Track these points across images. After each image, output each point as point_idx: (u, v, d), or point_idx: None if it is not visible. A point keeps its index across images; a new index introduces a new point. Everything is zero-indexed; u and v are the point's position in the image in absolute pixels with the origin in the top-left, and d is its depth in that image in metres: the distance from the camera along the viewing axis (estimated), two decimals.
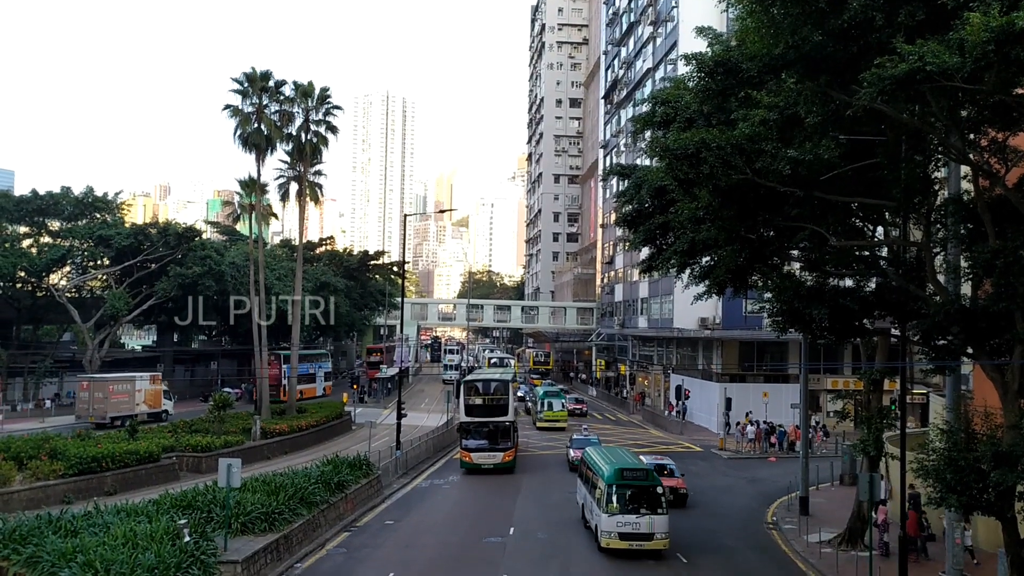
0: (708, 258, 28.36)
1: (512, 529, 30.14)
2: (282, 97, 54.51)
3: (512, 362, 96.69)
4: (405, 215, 72.49)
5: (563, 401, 64.38)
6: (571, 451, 42.42)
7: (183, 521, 22.03)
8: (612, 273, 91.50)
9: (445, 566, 25.63)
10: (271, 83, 53.94)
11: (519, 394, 77.66)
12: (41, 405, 65.21)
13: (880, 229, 27.50)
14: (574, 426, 58.66)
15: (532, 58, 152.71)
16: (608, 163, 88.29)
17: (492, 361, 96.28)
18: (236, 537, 23.99)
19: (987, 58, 13.92)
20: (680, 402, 65.14)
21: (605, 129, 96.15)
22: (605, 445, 38.68)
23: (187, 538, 20.81)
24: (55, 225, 71.01)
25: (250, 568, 22.70)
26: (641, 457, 33.42)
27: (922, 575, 24.00)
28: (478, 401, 42.92)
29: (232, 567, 21.95)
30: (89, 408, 55.10)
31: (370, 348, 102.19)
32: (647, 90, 68.70)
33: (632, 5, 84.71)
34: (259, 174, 55.94)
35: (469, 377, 48.32)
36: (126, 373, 61.89)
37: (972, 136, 19.18)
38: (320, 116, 55.50)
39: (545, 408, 62.21)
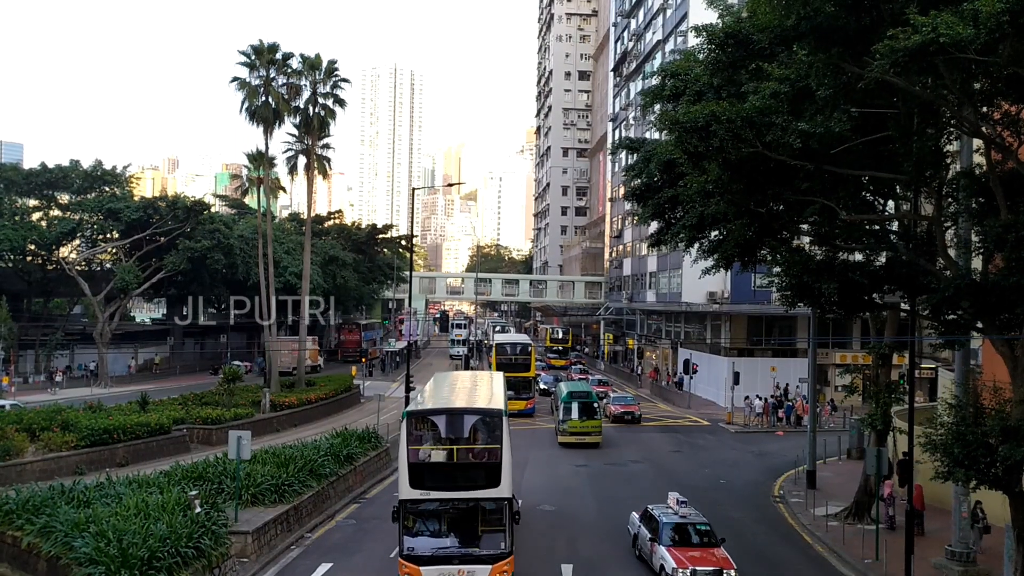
0: (717, 232, 28.29)
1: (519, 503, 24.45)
2: (289, 70, 54.24)
3: (531, 349, 58.43)
4: (413, 188, 72.28)
5: (596, 403, 44.73)
6: (665, 566, 21.38)
7: (194, 492, 22.25)
8: (620, 247, 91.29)
9: None
10: (278, 56, 53.68)
11: (541, 385, 63.69)
12: (52, 377, 65.74)
13: (891, 203, 27.35)
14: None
15: (541, 30, 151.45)
16: (617, 136, 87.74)
17: (503, 351, 57.68)
18: (246, 508, 24.23)
19: (1001, 29, 13.75)
20: (679, 374, 65.37)
21: (614, 102, 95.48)
22: None
23: (198, 509, 21.02)
24: (64, 198, 71.16)
25: (260, 539, 22.95)
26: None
27: (928, 549, 24.09)
28: (439, 457, 20.44)
29: (243, 538, 22.19)
30: (277, 361, 63.62)
31: (399, 319, 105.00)
32: (657, 63, 68.09)
33: None
34: (267, 147, 55.90)
35: (417, 406, 22.55)
36: (293, 337, 71.43)
37: (985, 109, 18.97)
38: (328, 89, 55.25)
39: (570, 415, 43.19)
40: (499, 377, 28.31)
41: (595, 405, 44.17)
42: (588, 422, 43.14)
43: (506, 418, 20.88)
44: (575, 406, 43.46)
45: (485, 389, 26.31)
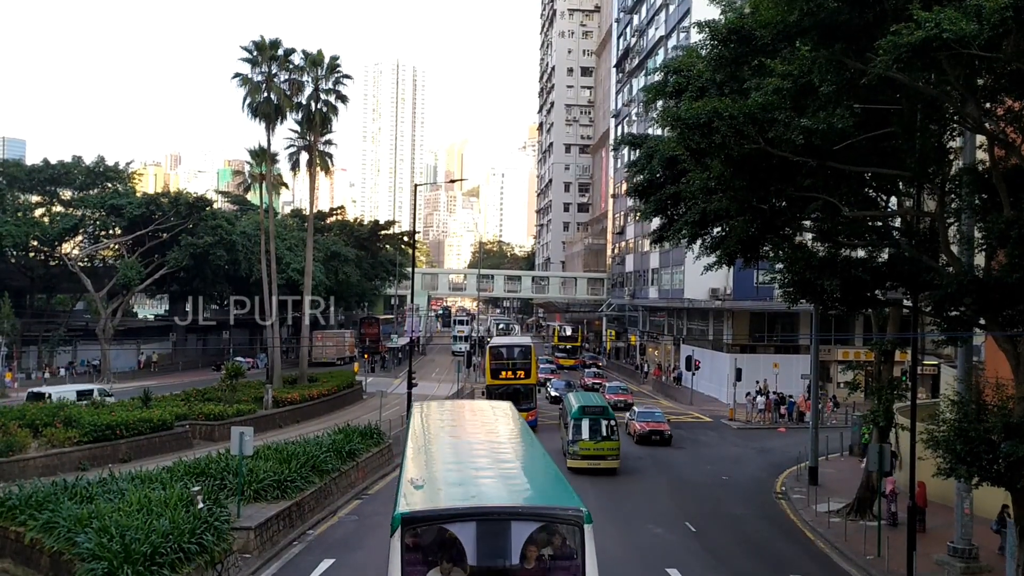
0: (719, 228, 28.28)
1: None
2: (291, 66, 54.25)
3: (531, 352, 48.09)
4: (415, 185, 72.48)
5: (612, 422, 35.79)
6: None
7: (197, 488, 22.23)
8: (623, 243, 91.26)
9: None
10: (280, 52, 53.67)
11: (552, 392, 57.78)
12: (55, 373, 65.84)
13: (894, 199, 27.30)
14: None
15: (543, 26, 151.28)
16: (619, 133, 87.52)
17: (498, 355, 47.81)
18: (249, 504, 24.24)
19: (1005, 25, 13.73)
20: (678, 369, 65.35)
21: (617, 98, 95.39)
22: None
23: (201, 505, 21.01)
24: (67, 194, 71.35)
25: (263, 534, 22.95)
26: None
27: (930, 546, 24.09)
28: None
29: (245, 533, 22.20)
30: (322, 352, 73.09)
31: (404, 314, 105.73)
32: (659, 59, 68.01)
33: None
34: (269, 144, 55.93)
35: (417, 499, 12.22)
36: (339, 330, 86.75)
37: (988, 105, 18.95)
38: (330, 85, 55.24)
39: (581, 435, 35.23)
40: (517, 417, 18.81)
41: (613, 423, 35.82)
42: (603, 443, 35.19)
43: (589, 526, 10.97)
44: (586, 423, 35.47)
45: (527, 453, 15.09)
